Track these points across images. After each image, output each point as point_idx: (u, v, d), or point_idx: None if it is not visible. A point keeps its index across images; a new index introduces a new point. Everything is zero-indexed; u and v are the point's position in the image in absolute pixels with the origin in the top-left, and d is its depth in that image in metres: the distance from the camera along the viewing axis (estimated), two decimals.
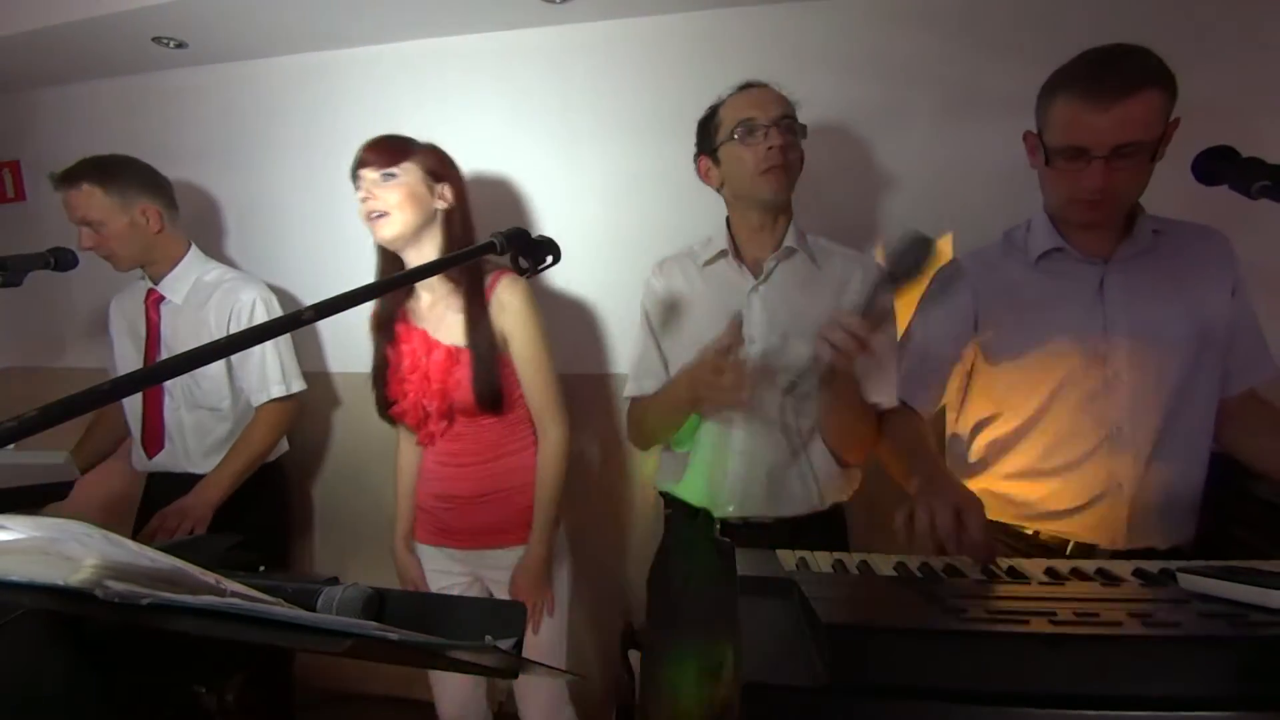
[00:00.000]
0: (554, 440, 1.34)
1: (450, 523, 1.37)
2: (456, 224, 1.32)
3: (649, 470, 1.48)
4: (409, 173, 1.26)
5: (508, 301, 1.29)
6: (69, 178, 1.46)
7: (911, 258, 0.95)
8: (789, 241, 1.23)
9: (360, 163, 1.26)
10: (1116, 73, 0.94)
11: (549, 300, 1.73)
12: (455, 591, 1.42)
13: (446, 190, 1.30)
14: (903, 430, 1.15)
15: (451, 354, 1.29)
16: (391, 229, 1.25)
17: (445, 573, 1.42)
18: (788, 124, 1.17)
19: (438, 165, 1.30)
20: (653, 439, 1.33)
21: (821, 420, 1.21)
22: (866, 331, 0.95)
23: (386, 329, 1.35)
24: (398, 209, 1.24)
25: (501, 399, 1.30)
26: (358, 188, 1.27)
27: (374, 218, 1.25)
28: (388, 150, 1.26)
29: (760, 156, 1.15)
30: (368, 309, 1.37)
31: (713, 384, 1.06)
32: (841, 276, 1.23)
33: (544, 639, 1.37)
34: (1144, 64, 0.95)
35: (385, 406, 1.36)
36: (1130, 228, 1.08)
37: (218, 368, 1.57)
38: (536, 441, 1.37)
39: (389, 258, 1.34)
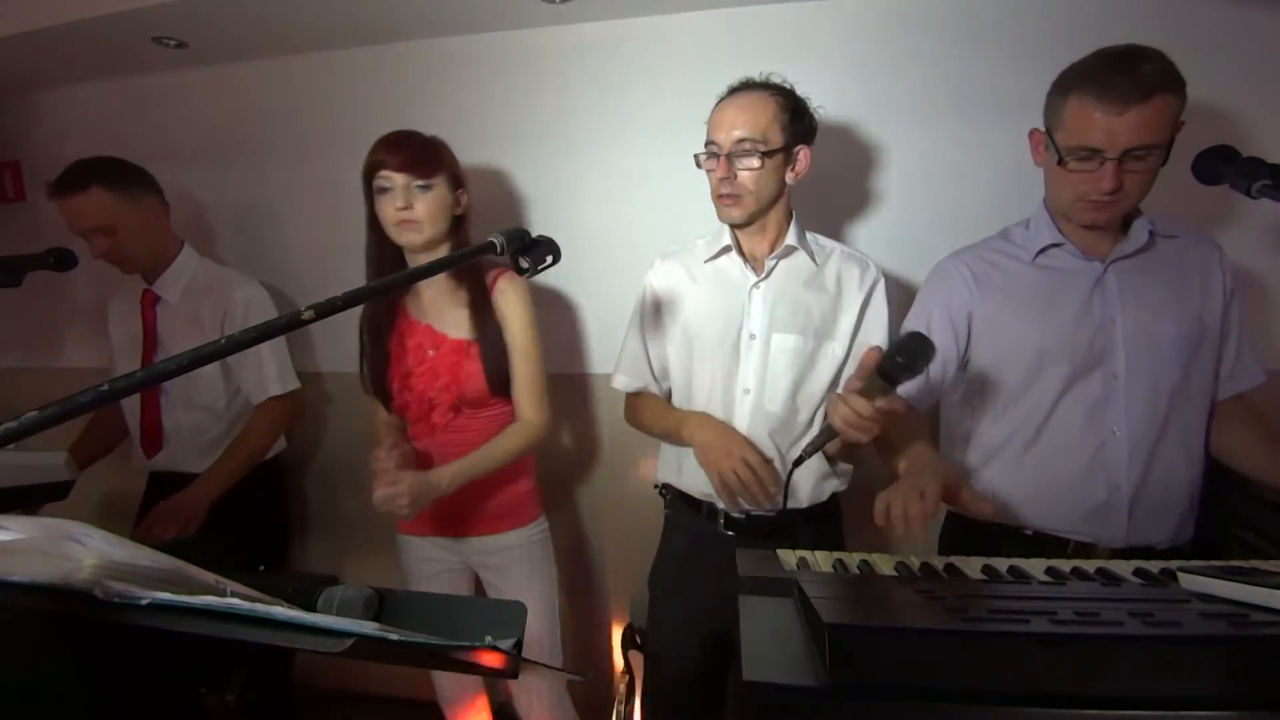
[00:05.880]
0: (529, 423, 1.32)
1: (439, 512, 1.35)
2: (466, 227, 1.35)
3: (644, 470, 1.48)
4: (441, 184, 1.26)
5: (508, 291, 1.31)
6: (73, 185, 1.40)
7: (907, 357, 0.90)
8: (789, 240, 1.24)
9: (390, 165, 1.22)
10: (1133, 76, 0.94)
11: (547, 300, 1.73)
12: (444, 579, 1.44)
13: (463, 196, 1.32)
14: (896, 424, 1.15)
15: (460, 347, 1.30)
16: (420, 236, 1.26)
17: (433, 561, 1.43)
18: (745, 147, 1.13)
19: (459, 173, 1.31)
20: (649, 434, 1.38)
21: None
22: (872, 412, 0.95)
23: (386, 325, 1.35)
24: (429, 221, 1.25)
25: (510, 384, 1.32)
26: (381, 187, 1.24)
27: (404, 224, 1.24)
28: (424, 160, 1.24)
29: (714, 184, 1.19)
30: (359, 309, 1.34)
31: (734, 482, 1.15)
32: (840, 274, 1.25)
33: (538, 637, 1.37)
34: (1159, 68, 0.95)
35: (389, 399, 1.37)
36: (1126, 227, 1.08)
37: (213, 367, 1.56)
38: None
39: (389, 256, 1.33)
